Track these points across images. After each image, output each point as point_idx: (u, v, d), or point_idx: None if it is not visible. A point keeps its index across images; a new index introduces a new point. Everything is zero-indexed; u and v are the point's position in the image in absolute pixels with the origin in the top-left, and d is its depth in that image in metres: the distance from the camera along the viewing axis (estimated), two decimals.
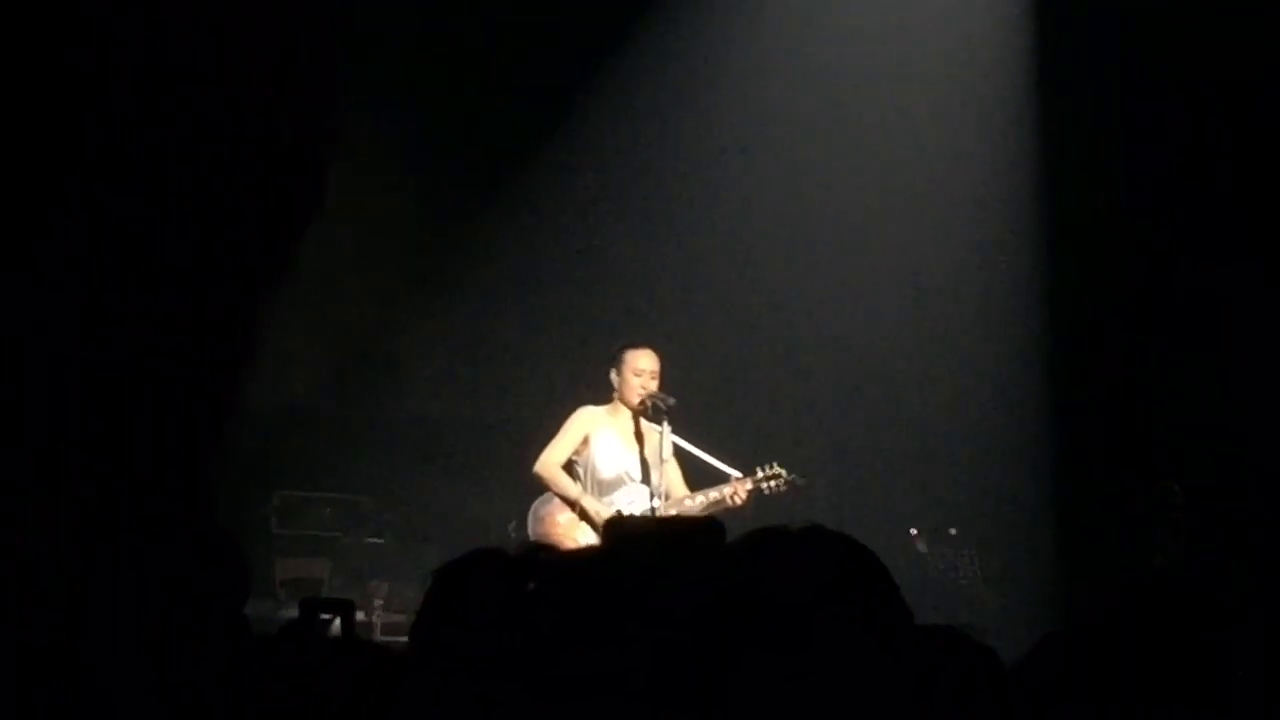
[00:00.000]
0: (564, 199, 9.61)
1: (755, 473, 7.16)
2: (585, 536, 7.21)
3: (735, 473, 7.19)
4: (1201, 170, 8.41)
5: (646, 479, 7.25)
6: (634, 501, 7.25)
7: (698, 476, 7.34)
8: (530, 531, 7.29)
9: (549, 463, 7.28)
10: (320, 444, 9.16)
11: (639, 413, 7.31)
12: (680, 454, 7.30)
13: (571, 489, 7.25)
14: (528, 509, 7.36)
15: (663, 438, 7.15)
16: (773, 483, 7.13)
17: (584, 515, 7.23)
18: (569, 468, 7.34)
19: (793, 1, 9.34)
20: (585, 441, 7.32)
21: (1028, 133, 9.14)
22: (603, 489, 7.29)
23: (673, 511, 7.15)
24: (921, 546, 8.37)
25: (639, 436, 7.35)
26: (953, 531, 8.41)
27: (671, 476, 7.25)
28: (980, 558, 8.30)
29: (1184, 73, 8.37)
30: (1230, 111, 8.34)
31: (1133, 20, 8.50)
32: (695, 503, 7.19)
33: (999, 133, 9.18)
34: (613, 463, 7.31)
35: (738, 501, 7.10)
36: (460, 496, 8.98)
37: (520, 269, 9.68)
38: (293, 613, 4.34)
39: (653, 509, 7.12)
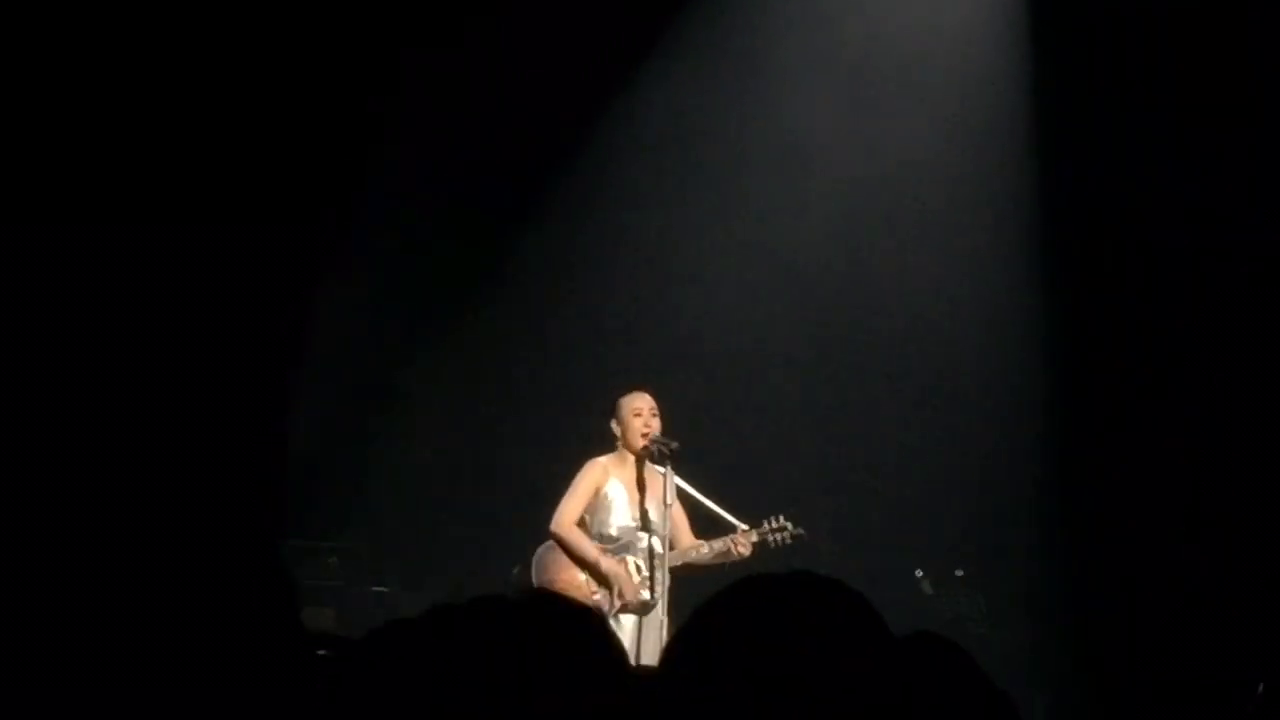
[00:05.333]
0: (570, 245, 9.60)
1: (761, 525, 7.15)
2: (592, 584, 7.18)
3: (742, 525, 7.17)
4: (1205, 180, 8.31)
5: (653, 526, 7.22)
6: (641, 550, 7.21)
7: (704, 525, 7.31)
8: (535, 579, 7.25)
9: (565, 522, 7.23)
10: (324, 492, 9.13)
11: (644, 458, 7.29)
12: (686, 501, 7.27)
13: (590, 551, 7.20)
14: (531, 555, 7.33)
15: (666, 481, 7.11)
16: (779, 536, 7.12)
17: (602, 579, 7.17)
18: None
19: (790, 26, 9.33)
20: (596, 493, 7.30)
21: (1028, 151, 9.10)
22: (611, 539, 7.26)
23: (678, 561, 7.11)
24: (927, 588, 8.33)
25: (645, 483, 7.31)
26: (959, 574, 8.37)
27: (677, 523, 7.22)
28: (987, 600, 8.26)
29: (1183, 79, 8.30)
30: (1233, 117, 8.25)
31: (1131, 29, 8.46)
32: (701, 553, 7.17)
33: (1001, 155, 9.14)
34: (622, 512, 7.28)
35: (744, 553, 7.08)
36: (465, 544, 8.95)
37: (524, 316, 9.67)
38: None
39: (662, 556, 7.08)
